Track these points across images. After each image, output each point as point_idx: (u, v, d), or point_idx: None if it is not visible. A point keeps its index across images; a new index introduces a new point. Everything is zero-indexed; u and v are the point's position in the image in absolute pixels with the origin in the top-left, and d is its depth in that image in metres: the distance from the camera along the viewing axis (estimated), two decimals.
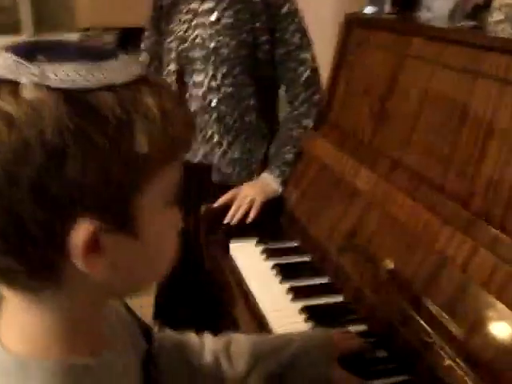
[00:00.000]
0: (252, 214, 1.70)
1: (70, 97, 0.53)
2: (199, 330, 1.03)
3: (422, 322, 1.06)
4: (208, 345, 1.00)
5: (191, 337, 1.02)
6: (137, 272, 0.65)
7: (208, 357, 0.99)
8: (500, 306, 0.93)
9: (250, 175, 1.87)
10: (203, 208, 1.73)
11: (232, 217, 1.69)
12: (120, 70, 0.57)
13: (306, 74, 1.80)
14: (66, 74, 0.53)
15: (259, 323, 1.30)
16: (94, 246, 0.57)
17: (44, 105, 0.52)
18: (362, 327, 1.22)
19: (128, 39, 4.85)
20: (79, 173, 0.53)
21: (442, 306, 1.02)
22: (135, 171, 0.56)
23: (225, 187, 1.80)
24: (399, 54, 1.43)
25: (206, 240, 1.72)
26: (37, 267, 0.57)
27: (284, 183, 1.75)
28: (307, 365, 1.01)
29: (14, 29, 5.67)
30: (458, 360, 0.96)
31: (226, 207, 1.72)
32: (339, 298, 1.34)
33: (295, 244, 1.61)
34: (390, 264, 1.18)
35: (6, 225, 0.54)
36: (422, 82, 1.31)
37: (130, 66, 0.59)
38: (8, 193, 0.52)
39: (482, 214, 1.04)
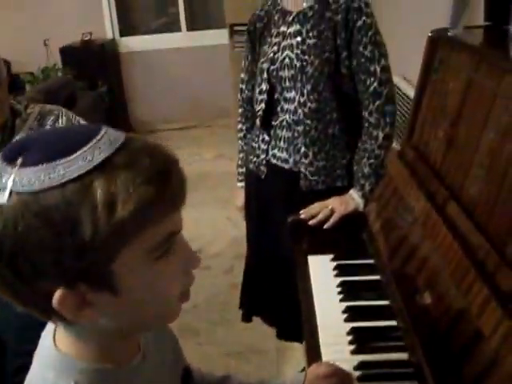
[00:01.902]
0: (330, 222, 1.79)
1: (26, 200, 0.66)
2: None
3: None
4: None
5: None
6: (136, 316, 0.77)
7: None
8: None
9: (335, 181, 1.96)
10: (290, 218, 1.84)
11: (312, 221, 1.81)
12: (76, 164, 0.67)
13: (373, 86, 1.84)
14: (28, 180, 0.67)
15: (311, 335, 1.38)
16: (79, 303, 0.71)
17: (7, 208, 0.66)
18: (403, 356, 1.26)
19: None
20: (39, 258, 0.67)
21: None
22: (93, 251, 0.67)
23: (311, 193, 1.94)
24: (475, 80, 1.41)
25: (292, 247, 1.83)
26: (42, 313, 0.74)
27: (366, 196, 1.81)
28: None
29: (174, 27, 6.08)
30: None
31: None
32: (392, 323, 1.38)
33: (371, 262, 1.65)
34: (427, 298, 1.20)
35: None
36: (494, 116, 1.29)
37: (92, 156, 0.68)
38: None
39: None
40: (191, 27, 6.17)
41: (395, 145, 1.97)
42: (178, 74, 6.06)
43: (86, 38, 5.83)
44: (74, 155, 0.68)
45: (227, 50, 5.31)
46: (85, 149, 0.69)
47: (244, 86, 2.13)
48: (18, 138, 1.97)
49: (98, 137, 0.70)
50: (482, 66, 1.36)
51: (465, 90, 1.43)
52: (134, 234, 0.69)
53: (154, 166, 0.72)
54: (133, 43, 6.14)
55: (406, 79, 3.40)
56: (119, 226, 0.67)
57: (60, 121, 2.06)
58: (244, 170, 2.17)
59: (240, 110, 2.18)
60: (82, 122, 2.15)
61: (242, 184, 2.19)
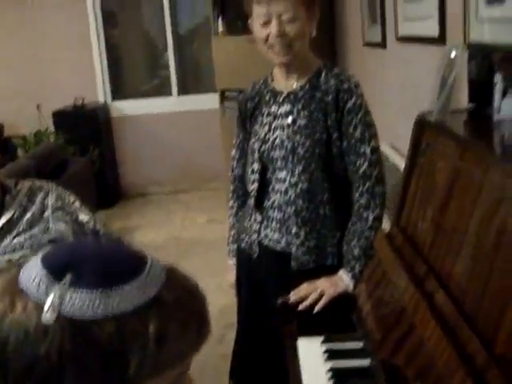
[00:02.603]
0: (320, 305, 1.78)
1: (76, 326, 0.64)
2: None
3: None
4: None
5: None
6: None
7: None
8: None
9: (325, 259, 1.95)
10: (280, 300, 1.83)
11: (301, 305, 1.80)
12: (132, 296, 0.67)
13: (363, 167, 1.86)
14: (81, 304, 0.65)
15: None
16: None
17: (53, 329, 0.64)
18: None
19: None
20: None
21: None
22: (129, 382, 0.66)
23: (302, 272, 1.93)
24: (461, 168, 1.43)
25: (281, 329, 1.81)
26: None
27: (356, 277, 1.81)
28: None
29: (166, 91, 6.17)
30: None
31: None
32: None
33: (361, 345, 1.64)
34: None
35: None
36: (480, 206, 1.30)
37: (145, 289, 0.68)
38: None
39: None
40: (182, 91, 6.27)
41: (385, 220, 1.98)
42: (169, 137, 6.13)
43: (79, 103, 5.90)
44: (129, 285, 0.68)
45: (218, 115, 5.39)
46: (138, 279, 0.69)
47: (235, 164, 2.15)
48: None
49: (147, 267, 0.71)
50: (467, 156, 1.39)
51: (451, 177, 1.45)
52: (163, 371, 0.70)
53: (197, 306, 0.75)
54: (124, 107, 6.23)
55: (393, 147, 3.44)
56: (161, 363, 0.68)
57: (50, 197, 2.07)
58: (235, 247, 2.17)
59: (231, 187, 2.20)
60: (73, 197, 2.15)
61: (234, 261, 2.19)
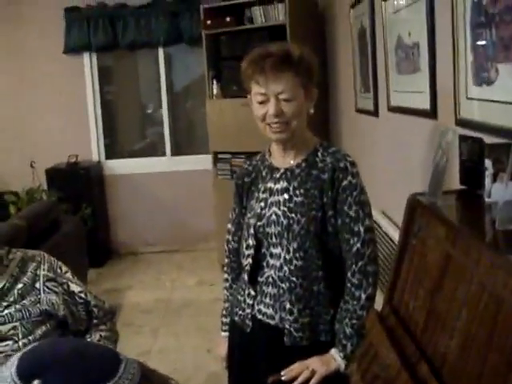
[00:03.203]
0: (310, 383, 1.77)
1: None
2: None
3: None
4: None
5: None
6: None
7: None
8: None
9: (318, 336, 1.94)
10: (270, 379, 1.82)
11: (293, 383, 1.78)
12: None
13: (356, 246, 1.87)
14: None
15: None
16: None
17: None
18: None
19: None
20: None
21: None
22: None
23: (295, 348, 1.91)
24: (453, 255, 1.44)
25: None
26: None
27: (347, 357, 1.80)
28: None
29: (159, 151, 6.22)
30: None
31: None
32: None
33: None
34: None
35: None
36: (471, 294, 1.31)
37: None
38: None
39: None
40: (176, 151, 6.32)
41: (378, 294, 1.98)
42: (162, 197, 6.15)
43: (72, 161, 5.93)
44: None
45: (211, 176, 5.43)
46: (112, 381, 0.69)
47: (230, 238, 2.15)
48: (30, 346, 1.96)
49: (121, 370, 0.71)
50: (458, 243, 1.40)
51: (443, 261, 1.47)
52: None
53: None
54: (118, 166, 6.27)
55: (385, 214, 3.47)
56: None
57: (41, 267, 2.07)
58: (228, 320, 2.15)
59: (226, 261, 2.20)
60: (64, 268, 2.15)
61: (226, 334, 2.17)
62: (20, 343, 1.93)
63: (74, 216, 5.18)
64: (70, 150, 5.94)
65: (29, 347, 0.75)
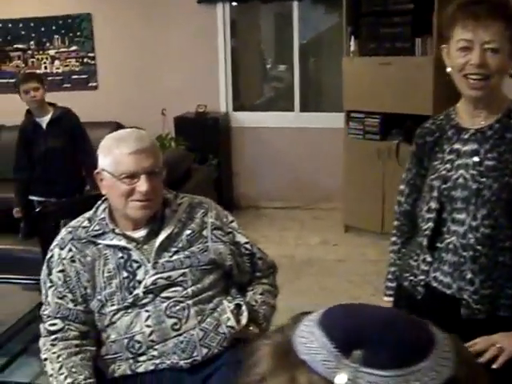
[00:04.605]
0: (498, 362, 1.66)
1: None
2: None
3: None
4: None
5: None
6: None
7: None
8: None
9: (497, 310, 1.81)
10: None
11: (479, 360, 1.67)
12: (430, 375, 0.58)
13: None
14: None
15: None
16: None
17: None
18: None
19: (389, 123, 4.99)
20: None
21: None
22: None
23: (471, 321, 1.80)
24: None
25: None
26: None
27: None
28: None
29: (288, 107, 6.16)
30: None
31: None
32: None
33: None
34: None
35: None
36: None
37: (438, 367, 0.59)
38: None
39: None
40: (304, 108, 6.20)
41: None
42: (287, 152, 6.09)
43: (201, 110, 5.96)
44: (424, 364, 0.59)
45: (340, 134, 5.30)
46: (431, 356, 0.60)
47: (403, 199, 2.03)
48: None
49: (438, 346, 0.62)
50: None
51: None
52: None
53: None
54: (245, 119, 6.25)
55: None
56: None
57: (209, 214, 2.04)
58: (394, 284, 2.06)
59: (396, 223, 2.09)
60: (230, 217, 2.12)
61: (391, 299, 2.07)
62: (189, 290, 1.91)
63: (203, 166, 5.21)
64: (199, 100, 5.96)
65: (329, 308, 0.67)
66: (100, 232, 1.94)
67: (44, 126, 4.33)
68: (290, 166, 6.10)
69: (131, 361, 1.89)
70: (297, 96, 6.18)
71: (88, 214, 2.02)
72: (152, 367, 1.87)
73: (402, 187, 2.05)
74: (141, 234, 1.95)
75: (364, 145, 5.13)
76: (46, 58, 6.64)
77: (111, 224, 1.95)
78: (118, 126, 6.25)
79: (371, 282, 4.33)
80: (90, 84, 6.54)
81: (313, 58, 6.44)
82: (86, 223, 1.98)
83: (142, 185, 1.87)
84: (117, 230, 1.94)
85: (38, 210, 2.35)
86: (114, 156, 1.89)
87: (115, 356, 1.91)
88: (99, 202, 2.03)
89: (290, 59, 6.13)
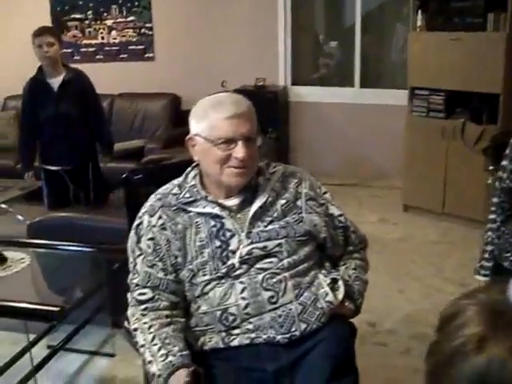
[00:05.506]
0: None
1: None
2: None
3: None
4: None
5: None
6: None
7: None
8: None
9: None
10: None
11: None
12: None
13: None
14: None
15: None
16: None
17: None
18: None
19: (453, 101, 4.86)
20: None
21: None
22: None
23: None
24: None
25: None
26: None
27: None
28: None
29: (348, 82, 6.05)
30: None
31: None
32: None
33: None
34: None
35: None
36: None
37: None
38: None
39: None
40: (364, 84, 6.09)
41: None
42: (346, 129, 6.01)
43: (260, 83, 5.90)
44: None
45: (403, 111, 5.18)
46: None
47: (505, 176, 1.97)
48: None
49: None
50: None
51: None
52: None
53: None
54: (303, 93, 6.17)
55: None
56: None
57: (303, 185, 1.98)
58: (491, 264, 1.99)
59: (495, 200, 2.02)
60: (324, 188, 2.07)
61: (486, 279, 2.01)
62: (285, 262, 1.84)
63: (264, 138, 5.16)
64: (258, 73, 5.90)
65: None
66: (191, 199, 1.90)
67: (55, 88, 4.11)
68: (349, 143, 6.02)
69: (224, 333, 1.82)
70: (357, 71, 6.07)
71: (177, 181, 1.97)
72: (247, 341, 1.79)
73: (504, 163, 1.97)
74: (234, 202, 1.90)
75: (428, 123, 5.00)
76: (103, 29, 6.64)
77: (203, 191, 1.91)
78: (175, 98, 6.25)
79: (434, 264, 4.27)
80: (147, 55, 6.52)
81: (377, 33, 6.29)
82: (175, 190, 1.94)
83: (239, 151, 1.81)
84: (210, 198, 1.89)
85: (124, 175, 2.29)
86: (210, 120, 1.83)
87: (206, 328, 1.85)
88: (189, 169, 1.98)
89: (352, 33, 6.01)
